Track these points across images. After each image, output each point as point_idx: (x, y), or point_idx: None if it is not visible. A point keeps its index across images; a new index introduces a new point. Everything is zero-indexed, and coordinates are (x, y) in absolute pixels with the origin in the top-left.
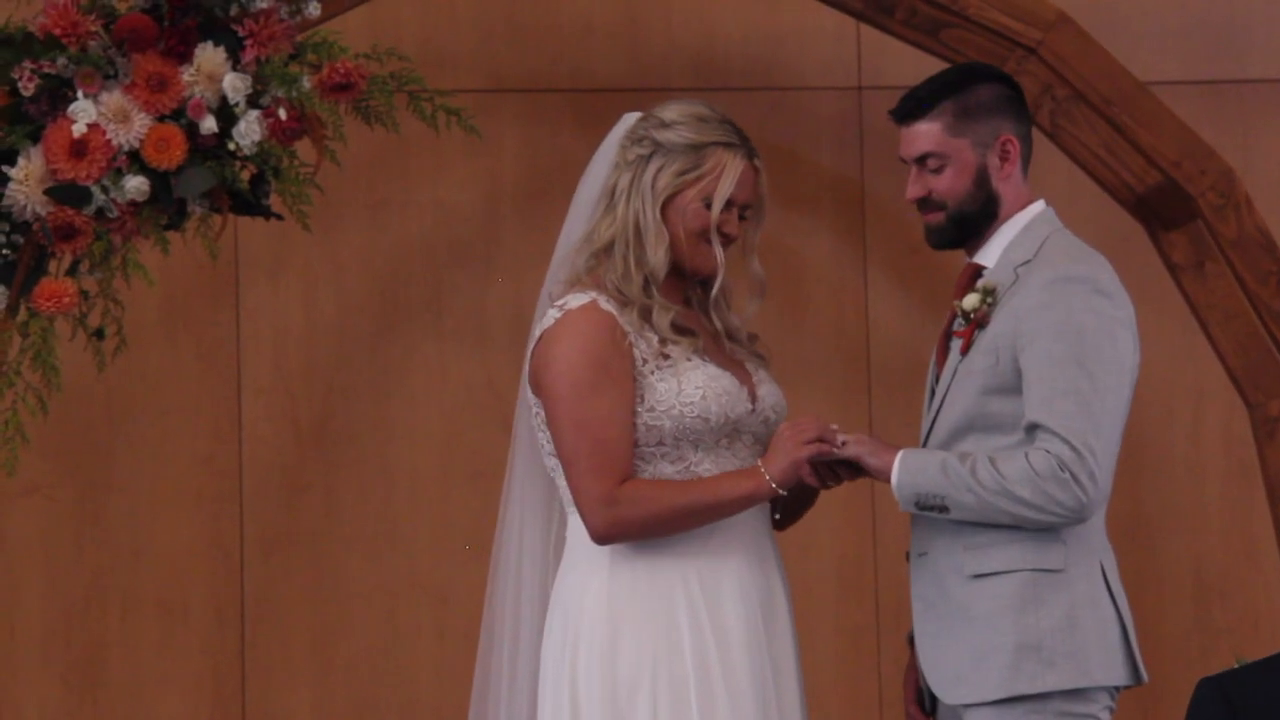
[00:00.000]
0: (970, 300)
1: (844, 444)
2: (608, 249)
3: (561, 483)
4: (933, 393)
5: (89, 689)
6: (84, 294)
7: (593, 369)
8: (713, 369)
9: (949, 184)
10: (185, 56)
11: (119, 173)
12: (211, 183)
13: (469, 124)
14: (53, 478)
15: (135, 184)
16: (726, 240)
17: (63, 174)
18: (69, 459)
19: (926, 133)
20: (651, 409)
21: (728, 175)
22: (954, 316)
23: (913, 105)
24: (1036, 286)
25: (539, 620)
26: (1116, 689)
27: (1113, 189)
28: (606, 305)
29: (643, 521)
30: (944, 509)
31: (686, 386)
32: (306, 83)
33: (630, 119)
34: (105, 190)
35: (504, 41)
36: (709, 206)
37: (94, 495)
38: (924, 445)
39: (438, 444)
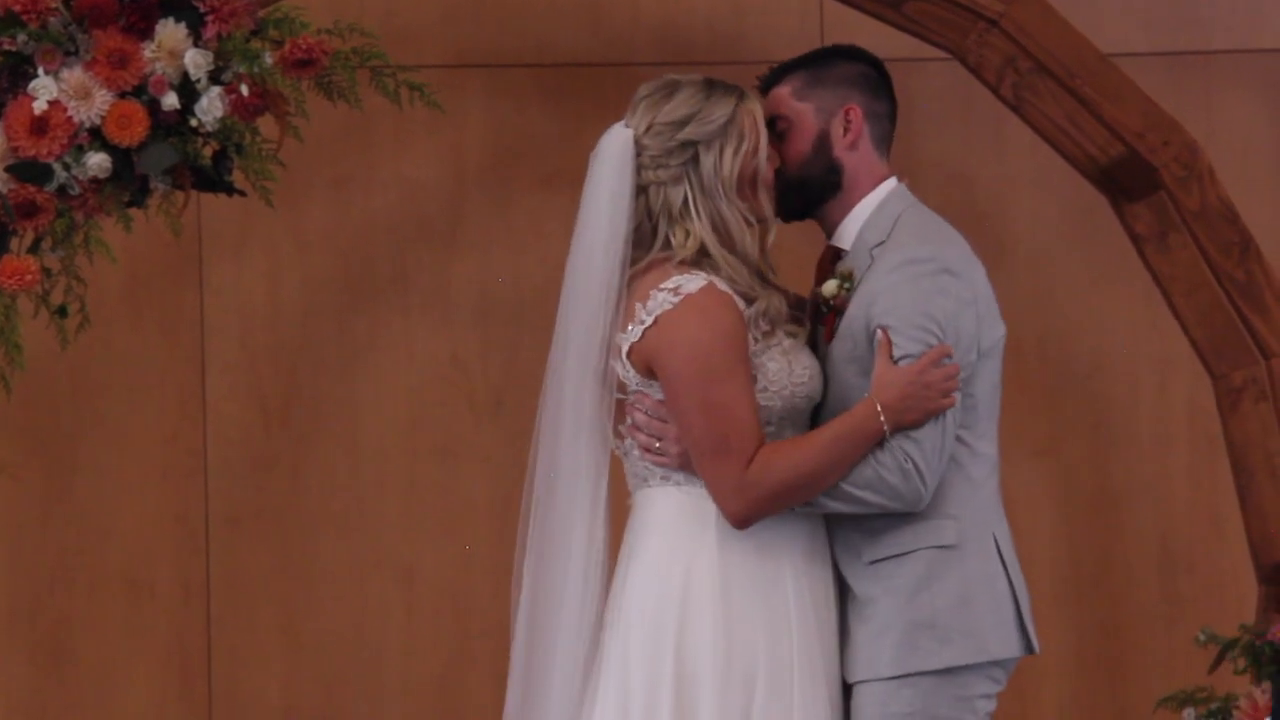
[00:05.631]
0: (829, 287)
1: None
2: (698, 256)
3: (639, 457)
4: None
5: (55, 667)
6: (46, 271)
7: (725, 352)
8: (808, 351)
9: (792, 148)
10: (146, 33)
11: (80, 149)
12: (174, 159)
13: (432, 99)
14: (17, 457)
15: (97, 161)
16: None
17: (24, 151)
18: (33, 438)
19: (775, 97)
20: (765, 389)
21: (760, 121)
22: (815, 302)
23: (771, 73)
24: (885, 269)
25: (586, 603)
26: (1011, 660)
27: (1076, 161)
28: (723, 286)
29: (774, 494)
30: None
31: (796, 367)
32: (268, 59)
33: (623, 135)
34: (67, 167)
35: (467, 16)
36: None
37: (59, 474)
38: None
39: (404, 420)
